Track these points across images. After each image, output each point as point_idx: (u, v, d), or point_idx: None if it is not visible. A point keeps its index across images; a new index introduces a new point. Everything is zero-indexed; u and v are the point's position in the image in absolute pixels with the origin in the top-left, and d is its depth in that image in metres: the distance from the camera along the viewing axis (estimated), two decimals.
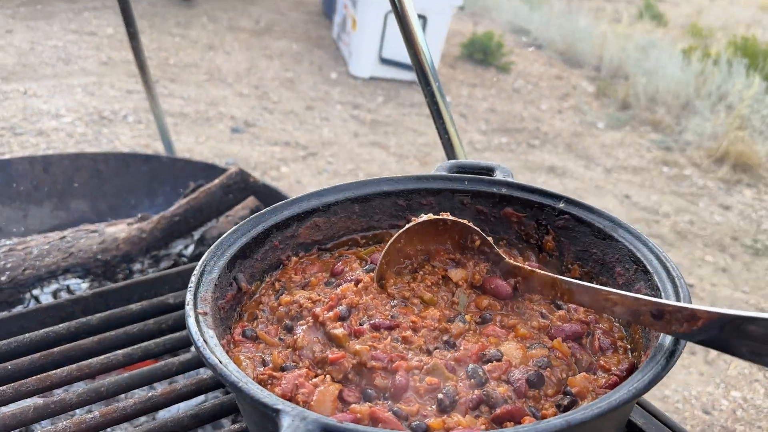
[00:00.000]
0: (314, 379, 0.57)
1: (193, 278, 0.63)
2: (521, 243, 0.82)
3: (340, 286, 0.69)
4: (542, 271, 0.69)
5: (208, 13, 6.05)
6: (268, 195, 1.66)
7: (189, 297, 0.60)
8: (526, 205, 0.81)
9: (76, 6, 5.80)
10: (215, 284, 0.64)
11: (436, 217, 0.73)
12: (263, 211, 0.76)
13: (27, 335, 0.87)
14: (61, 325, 0.89)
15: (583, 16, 7.33)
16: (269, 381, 0.57)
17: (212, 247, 0.68)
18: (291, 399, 0.55)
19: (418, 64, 1.10)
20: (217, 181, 1.36)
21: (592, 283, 0.74)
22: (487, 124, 4.49)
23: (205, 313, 0.59)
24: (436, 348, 0.62)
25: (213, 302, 0.62)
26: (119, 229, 1.38)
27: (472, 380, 0.57)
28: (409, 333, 0.63)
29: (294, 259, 0.78)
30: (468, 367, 0.59)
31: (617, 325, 0.69)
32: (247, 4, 6.52)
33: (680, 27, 7.56)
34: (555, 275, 0.67)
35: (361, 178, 3.31)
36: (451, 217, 0.73)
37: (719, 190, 3.85)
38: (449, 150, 1.16)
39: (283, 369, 0.59)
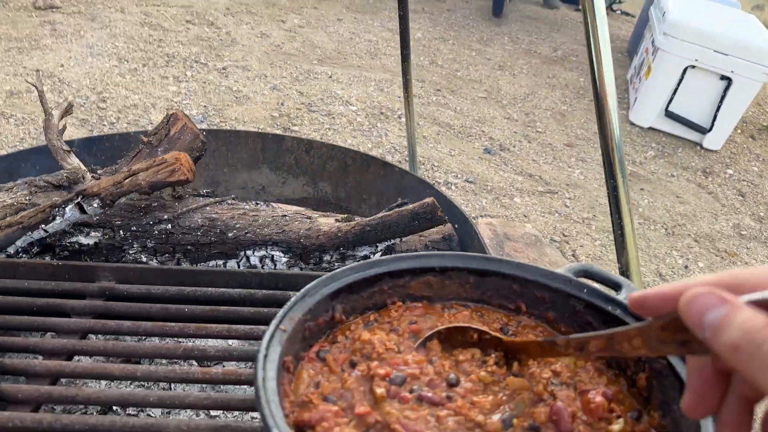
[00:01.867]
0: (340, 419, 0.67)
1: (294, 298, 0.77)
2: (617, 369, 0.80)
3: (411, 352, 0.77)
4: (539, 339, 0.70)
5: (512, 34, 6.26)
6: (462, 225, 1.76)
7: (280, 313, 0.74)
8: None
9: None
10: (310, 308, 0.77)
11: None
12: (382, 258, 0.87)
13: (209, 290, 1.12)
14: (232, 290, 1.12)
15: None
16: (309, 403, 0.68)
17: (324, 276, 0.81)
18: (312, 427, 0.66)
19: (606, 150, 1.09)
20: (411, 206, 1.51)
21: None
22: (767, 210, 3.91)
23: (285, 330, 0.72)
24: None
25: (300, 323, 0.75)
26: (328, 222, 1.61)
27: None
28: (445, 413, 0.68)
29: (399, 302, 0.88)
30: None
31: None
32: (554, 30, 6.58)
33: None
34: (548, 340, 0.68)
35: (593, 230, 3.19)
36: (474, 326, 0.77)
37: None
38: (619, 248, 1.13)
39: (326, 399, 0.70)
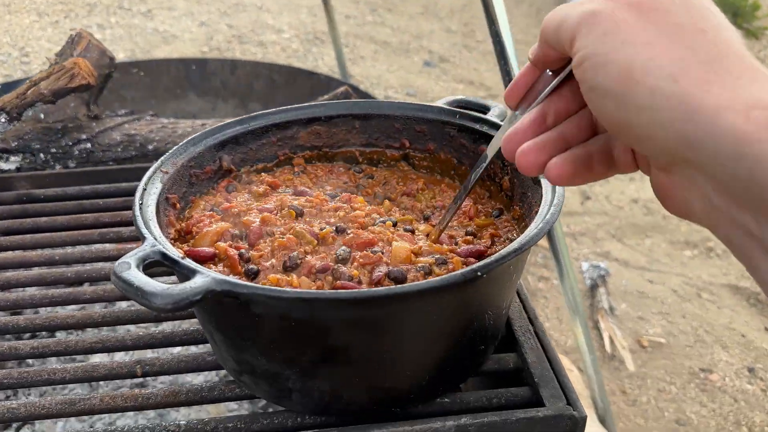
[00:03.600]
0: (213, 219, 0.73)
1: (177, 146, 0.81)
2: (489, 180, 0.86)
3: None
4: None
5: None
6: None
7: (163, 157, 0.78)
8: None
9: None
10: (194, 156, 0.81)
11: None
12: (267, 111, 0.91)
13: (122, 185, 1.16)
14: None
15: None
16: (201, 221, 0.75)
17: (209, 129, 0.85)
18: (190, 231, 0.72)
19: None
20: (325, 96, 1.54)
21: (519, 224, 0.78)
22: None
23: (167, 172, 0.77)
24: (323, 227, 0.72)
25: (184, 168, 0.79)
26: None
27: (335, 256, 0.67)
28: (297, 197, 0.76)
29: (296, 158, 0.92)
30: (341, 248, 0.68)
31: None
32: None
33: None
34: None
35: None
36: None
37: None
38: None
39: (211, 209, 0.77)
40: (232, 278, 0.56)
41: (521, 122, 0.54)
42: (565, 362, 1.76)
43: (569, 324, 2.06)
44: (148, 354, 1.02)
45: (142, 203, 0.69)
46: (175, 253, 0.60)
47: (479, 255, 0.70)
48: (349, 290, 0.59)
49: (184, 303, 0.53)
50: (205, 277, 0.55)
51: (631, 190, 2.88)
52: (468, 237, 0.74)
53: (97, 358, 1.10)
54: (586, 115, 0.53)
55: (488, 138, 0.86)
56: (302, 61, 3.57)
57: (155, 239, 0.61)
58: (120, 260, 0.56)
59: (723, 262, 2.45)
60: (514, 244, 0.59)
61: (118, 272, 0.55)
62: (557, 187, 0.70)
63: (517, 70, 1.16)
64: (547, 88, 0.54)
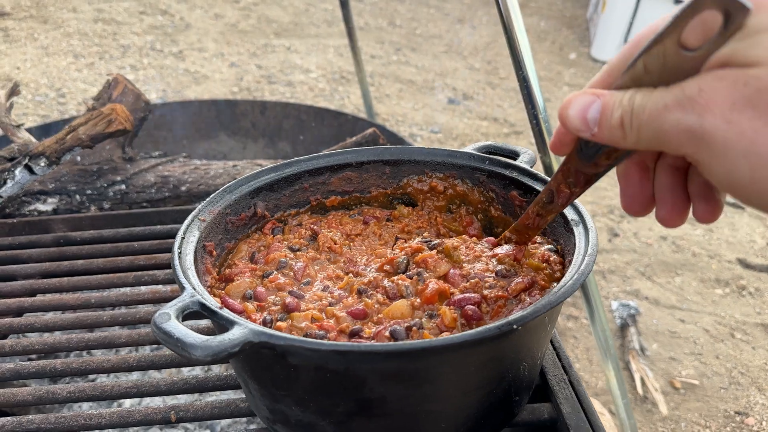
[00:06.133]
0: (251, 272, 0.75)
1: (213, 195, 0.83)
2: None
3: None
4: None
5: None
6: None
7: (200, 206, 0.80)
8: (527, 191, 0.85)
9: None
10: (230, 203, 0.83)
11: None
12: (300, 158, 0.93)
13: (157, 227, 1.18)
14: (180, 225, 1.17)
15: None
16: (233, 265, 0.77)
17: (244, 176, 0.87)
18: (229, 279, 0.74)
19: (511, 44, 1.15)
20: (354, 138, 1.57)
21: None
22: None
23: (204, 220, 0.78)
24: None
25: (220, 216, 0.81)
26: None
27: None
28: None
29: (327, 201, 0.94)
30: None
31: None
32: None
33: None
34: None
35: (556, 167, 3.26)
36: None
37: None
38: (538, 138, 1.19)
39: (251, 257, 0.79)
40: (269, 330, 0.56)
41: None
42: (596, 405, 1.72)
43: (600, 365, 2.02)
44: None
45: (180, 252, 0.70)
46: (213, 303, 0.61)
47: (474, 304, 0.69)
48: (384, 343, 0.60)
49: (224, 355, 0.53)
50: (242, 329, 0.55)
51: (659, 226, 2.84)
52: (490, 280, 0.73)
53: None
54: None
55: (518, 184, 0.87)
56: (329, 100, 3.64)
57: (194, 289, 0.62)
58: (160, 311, 0.57)
59: (756, 301, 2.40)
60: (549, 297, 0.59)
61: (159, 323, 0.56)
62: (590, 235, 0.70)
63: (543, 112, 1.17)
64: None
